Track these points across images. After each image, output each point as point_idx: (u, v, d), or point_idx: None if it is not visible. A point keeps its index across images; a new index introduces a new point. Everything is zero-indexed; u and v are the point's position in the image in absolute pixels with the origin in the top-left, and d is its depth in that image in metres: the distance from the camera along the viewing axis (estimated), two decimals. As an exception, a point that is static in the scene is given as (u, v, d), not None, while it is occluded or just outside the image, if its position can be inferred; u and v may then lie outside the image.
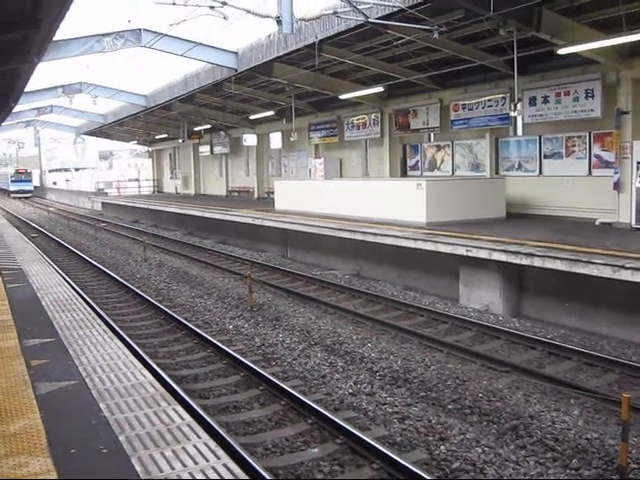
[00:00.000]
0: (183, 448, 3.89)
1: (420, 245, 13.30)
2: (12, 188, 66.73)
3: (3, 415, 4.44)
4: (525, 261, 11.03)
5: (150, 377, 5.32)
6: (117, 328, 10.42)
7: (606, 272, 9.66)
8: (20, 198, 63.49)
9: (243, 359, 9.02)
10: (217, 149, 36.12)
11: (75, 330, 6.84)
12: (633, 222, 13.76)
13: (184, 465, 3.66)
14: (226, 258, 20.03)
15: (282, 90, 23.41)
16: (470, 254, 12.12)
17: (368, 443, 6.15)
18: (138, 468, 3.62)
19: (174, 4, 13.47)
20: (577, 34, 13.14)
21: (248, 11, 13.24)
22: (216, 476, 3.53)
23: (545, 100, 16.04)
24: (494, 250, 11.65)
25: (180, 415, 4.45)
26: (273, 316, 12.04)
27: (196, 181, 40.50)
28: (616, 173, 14.42)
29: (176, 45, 18.76)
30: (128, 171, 75.54)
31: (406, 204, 15.89)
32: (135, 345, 9.50)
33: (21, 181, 66.85)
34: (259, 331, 11.05)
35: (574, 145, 16.21)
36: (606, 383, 8.36)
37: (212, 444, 3.97)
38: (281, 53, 17.53)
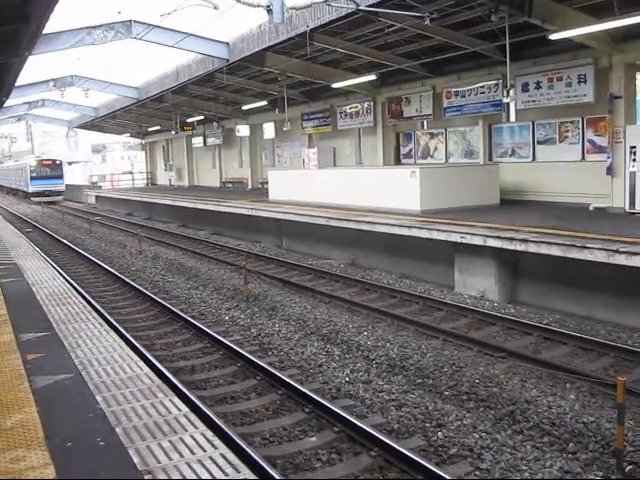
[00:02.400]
0: (180, 439, 3.90)
1: (415, 233, 13.30)
2: (32, 188, 46.49)
3: (0, 409, 4.44)
4: (520, 247, 11.04)
5: (146, 369, 5.33)
6: (113, 321, 10.40)
7: (600, 256, 9.68)
8: (46, 203, 43.06)
9: (240, 349, 9.02)
10: (210, 140, 36.02)
11: (70, 324, 6.84)
12: (627, 206, 13.77)
13: (181, 455, 3.68)
14: (221, 249, 20.02)
15: (274, 80, 23.32)
16: (465, 241, 12.14)
17: (365, 431, 6.17)
18: (135, 459, 3.63)
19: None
20: (569, 19, 13.12)
21: (239, 0, 13.17)
22: (214, 466, 3.54)
23: (538, 86, 16.02)
24: (488, 237, 11.66)
25: (177, 406, 4.46)
26: (269, 306, 12.05)
27: (190, 173, 40.41)
28: (609, 158, 14.43)
29: (167, 36, 18.67)
30: (121, 164, 74.77)
31: (400, 192, 15.88)
32: (131, 337, 9.48)
33: (46, 178, 46.61)
34: (255, 321, 11.06)
35: (567, 130, 16.21)
36: (602, 367, 8.40)
37: (209, 434, 3.98)
38: (272, 42, 17.47)
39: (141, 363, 5.49)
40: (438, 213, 14.77)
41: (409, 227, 13.46)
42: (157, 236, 23.46)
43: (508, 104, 16.65)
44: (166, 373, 7.79)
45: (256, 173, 32.05)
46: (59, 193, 47.49)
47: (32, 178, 46.51)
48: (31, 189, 46.66)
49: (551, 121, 16.56)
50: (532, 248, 10.80)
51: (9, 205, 44.41)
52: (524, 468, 5.74)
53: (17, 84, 19.71)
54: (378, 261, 15.85)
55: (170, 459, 3.63)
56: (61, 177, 47.94)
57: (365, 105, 22.72)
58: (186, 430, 4.03)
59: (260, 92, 26.09)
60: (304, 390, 7.32)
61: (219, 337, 9.71)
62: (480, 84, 17.84)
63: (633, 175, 13.49)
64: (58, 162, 48.57)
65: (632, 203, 13.60)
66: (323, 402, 6.93)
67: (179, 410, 4.38)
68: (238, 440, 5.87)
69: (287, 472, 5.77)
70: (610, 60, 14.30)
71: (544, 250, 10.59)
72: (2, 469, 3.55)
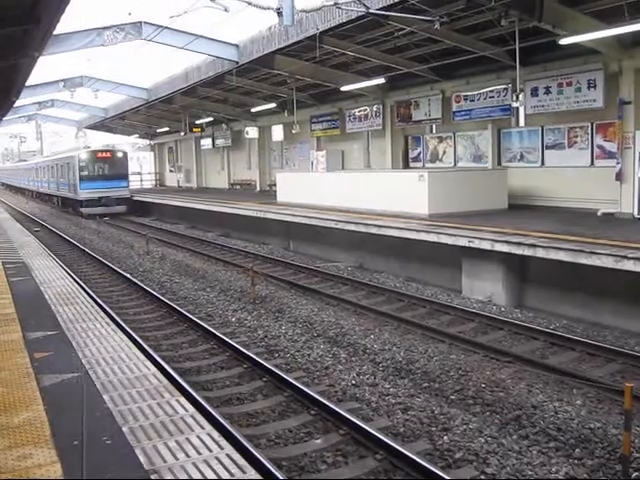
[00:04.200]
0: (187, 439, 3.91)
1: (423, 236, 13.29)
2: (83, 195, 31.27)
3: (7, 407, 4.46)
4: (528, 252, 11.01)
5: (153, 369, 5.33)
6: (120, 321, 10.43)
7: (609, 262, 9.64)
8: (101, 216, 30.36)
9: (246, 351, 9.03)
10: (219, 142, 36.07)
11: (78, 323, 6.86)
12: (635, 212, 13.73)
13: (187, 455, 3.68)
14: (228, 251, 20.04)
15: (283, 82, 23.37)
16: (472, 245, 12.11)
17: (371, 434, 6.16)
18: (142, 459, 3.64)
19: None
20: (579, 24, 13.09)
21: (249, 3, 13.20)
22: (220, 466, 3.55)
23: (547, 91, 15.97)
24: (496, 241, 11.64)
25: (183, 406, 4.46)
26: (276, 308, 12.05)
27: (198, 174, 40.48)
28: (618, 163, 14.37)
29: (177, 38, 18.71)
30: (130, 165, 74.71)
31: (408, 196, 15.87)
32: (138, 338, 9.51)
33: (104, 178, 31.55)
34: (262, 323, 11.06)
35: (576, 136, 16.16)
36: (609, 373, 8.37)
37: (215, 435, 3.98)
38: (282, 45, 17.49)
39: (148, 363, 5.50)
40: (446, 217, 14.74)
41: (417, 231, 13.45)
42: (165, 237, 23.52)
43: (517, 109, 16.59)
44: (173, 373, 7.80)
45: (264, 175, 32.10)
46: (121, 201, 31.96)
47: (82, 179, 31.28)
48: (82, 195, 31.25)
49: (560, 126, 16.52)
50: (540, 253, 10.77)
51: (17, 203, 44.57)
52: (530, 473, 5.72)
53: (27, 84, 19.79)
54: (386, 264, 15.83)
55: (176, 459, 3.64)
56: (125, 177, 32.84)
57: (374, 108, 22.71)
58: (192, 430, 4.04)
59: (269, 94, 26.13)
60: (310, 392, 7.33)
61: (226, 338, 9.72)
62: (489, 88, 17.81)
63: (642, 181, 13.46)
64: (120, 154, 33.13)
65: (641, 209, 13.57)
66: (329, 404, 6.93)
67: (186, 410, 4.39)
68: (244, 441, 5.88)
69: (292, 474, 5.77)
70: (620, 65, 14.25)
71: (552, 255, 10.56)
72: (9, 467, 3.56)
